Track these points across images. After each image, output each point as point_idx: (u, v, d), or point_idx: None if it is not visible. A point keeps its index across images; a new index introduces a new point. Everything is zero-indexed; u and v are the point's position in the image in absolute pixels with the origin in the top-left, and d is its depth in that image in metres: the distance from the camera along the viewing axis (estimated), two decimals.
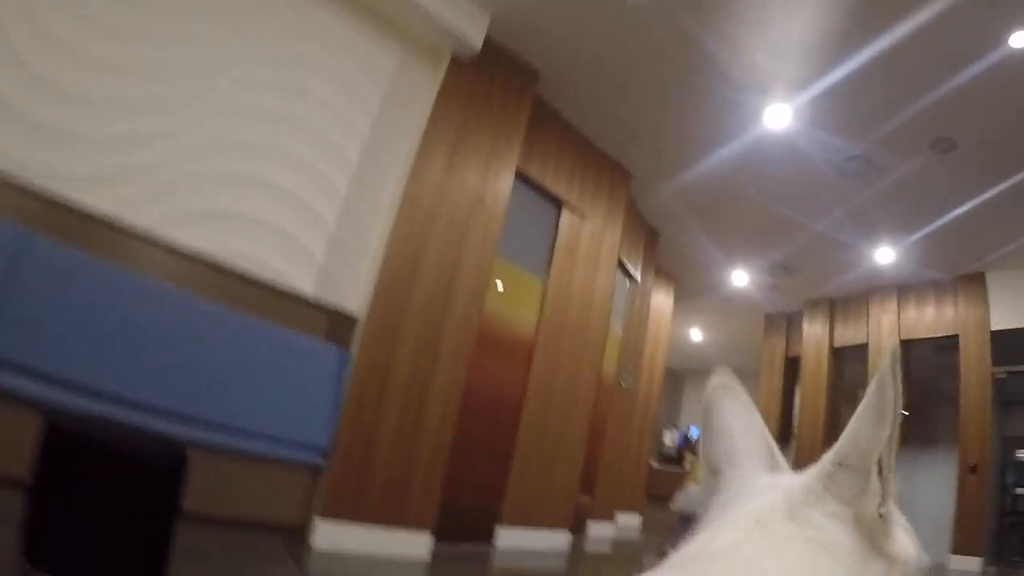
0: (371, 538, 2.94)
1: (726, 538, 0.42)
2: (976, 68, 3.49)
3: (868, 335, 6.67)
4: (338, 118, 3.24)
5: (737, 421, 0.55)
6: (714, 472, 0.53)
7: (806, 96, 3.86)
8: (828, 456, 0.43)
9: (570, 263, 4.29)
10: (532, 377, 3.96)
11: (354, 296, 3.18)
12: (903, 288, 6.49)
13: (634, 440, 6.13)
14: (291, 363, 2.84)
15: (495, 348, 3.81)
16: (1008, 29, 3.21)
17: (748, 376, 8.08)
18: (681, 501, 4.21)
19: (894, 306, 6.54)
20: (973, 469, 5.76)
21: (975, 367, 5.96)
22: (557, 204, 4.29)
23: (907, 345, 6.43)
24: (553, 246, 4.21)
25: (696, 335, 9.30)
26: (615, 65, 3.83)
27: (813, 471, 0.44)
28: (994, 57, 3.46)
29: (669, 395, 11.67)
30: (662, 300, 6.71)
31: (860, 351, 6.76)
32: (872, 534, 0.42)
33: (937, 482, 6.32)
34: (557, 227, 4.26)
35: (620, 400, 5.32)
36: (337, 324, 3.12)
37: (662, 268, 6.60)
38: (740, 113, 4.08)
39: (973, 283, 6.11)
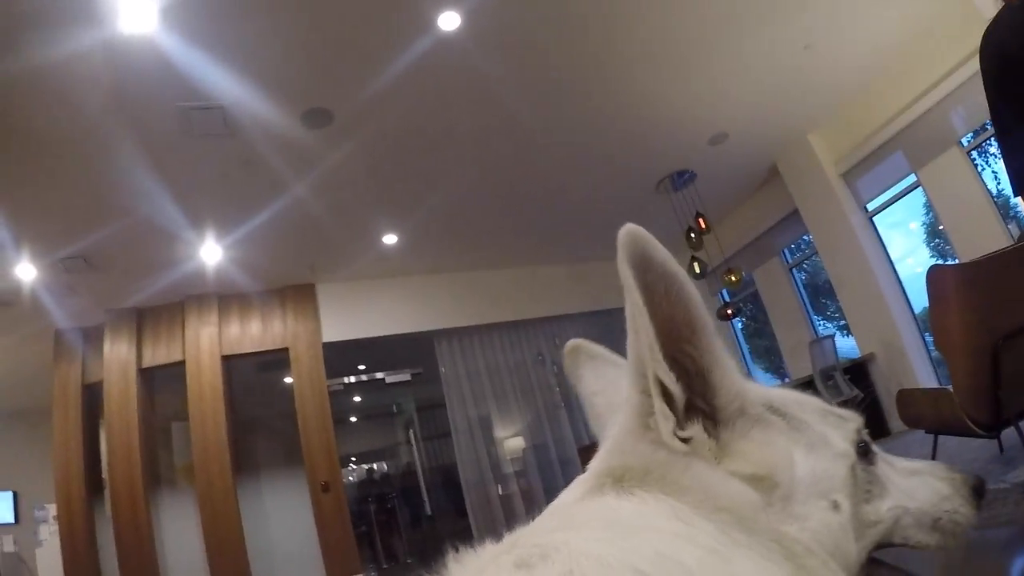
0: None
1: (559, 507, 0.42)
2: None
3: (185, 352, 5.74)
4: None
5: (596, 382, 0.57)
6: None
7: None
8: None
9: None
10: None
11: None
12: (226, 298, 5.83)
13: None
14: None
15: None
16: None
17: (45, 415, 5.83)
18: None
19: (215, 318, 5.82)
20: (325, 487, 5.55)
21: (309, 381, 5.88)
22: None
23: (230, 362, 5.84)
24: None
25: None
26: None
27: (627, 407, 0.42)
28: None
29: None
30: None
31: (176, 371, 5.64)
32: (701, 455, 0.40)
33: (289, 505, 5.79)
34: None
35: None
36: None
37: None
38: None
39: (303, 294, 6.13)
